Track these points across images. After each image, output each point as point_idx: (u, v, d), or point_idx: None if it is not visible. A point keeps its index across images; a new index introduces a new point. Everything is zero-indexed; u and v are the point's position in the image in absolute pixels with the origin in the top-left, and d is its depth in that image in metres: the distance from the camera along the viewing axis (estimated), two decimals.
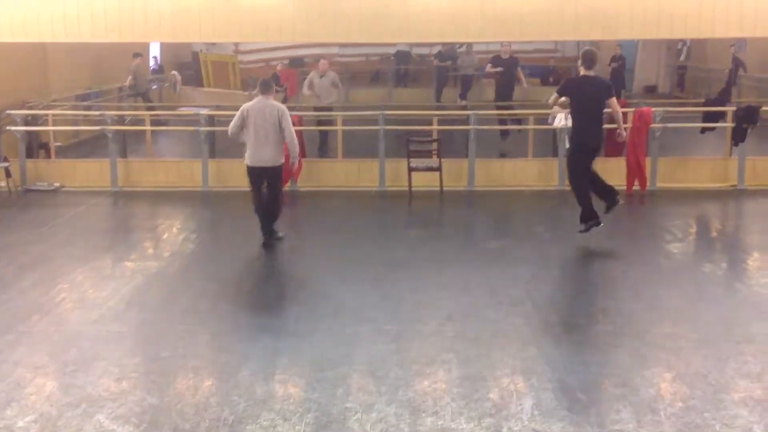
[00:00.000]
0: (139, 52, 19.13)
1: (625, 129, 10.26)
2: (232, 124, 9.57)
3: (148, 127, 14.07)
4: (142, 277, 8.62)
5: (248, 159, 9.53)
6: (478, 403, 5.59)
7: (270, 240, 9.67)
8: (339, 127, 13.88)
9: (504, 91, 15.88)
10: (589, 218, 9.58)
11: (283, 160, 9.61)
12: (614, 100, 9.61)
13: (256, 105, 9.47)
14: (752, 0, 12.35)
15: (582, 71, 9.57)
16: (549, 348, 6.63)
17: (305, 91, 15.36)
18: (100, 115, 13.76)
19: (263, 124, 9.36)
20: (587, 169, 9.58)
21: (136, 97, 19.13)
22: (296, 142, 9.61)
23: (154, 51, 23.98)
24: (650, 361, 6.31)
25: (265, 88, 9.57)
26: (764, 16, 12.50)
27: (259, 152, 9.43)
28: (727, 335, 6.85)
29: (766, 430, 5.22)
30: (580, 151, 9.60)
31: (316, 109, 15.18)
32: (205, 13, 12.73)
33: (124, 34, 12.85)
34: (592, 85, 9.52)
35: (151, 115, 15.07)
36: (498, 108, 16.17)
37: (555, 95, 9.70)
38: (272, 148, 9.44)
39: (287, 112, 9.53)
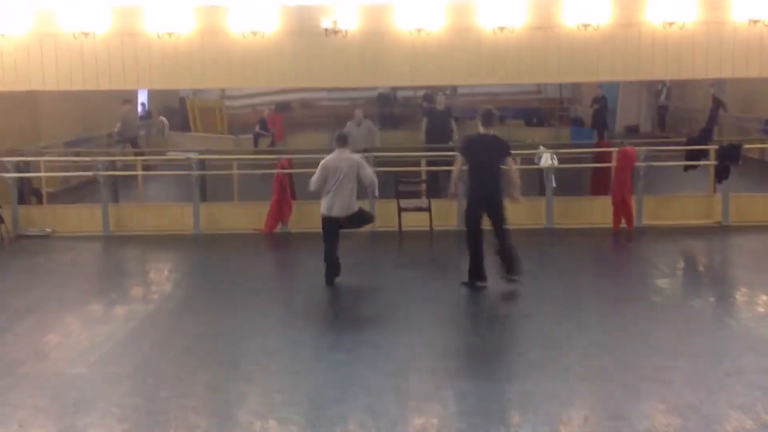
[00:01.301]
0: (128, 98, 19.28)
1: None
2: (314, 179, 9.87)
3: (140, 172, 14.17)
4: (136, 320, 8.67)
5: (324, 209, 9.84)
6: None
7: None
8: None
9: (437, 138, 15.48)
10: (472, 276, 9.57)
11: (356, 208, 9.95)
12: (511, 160, 9.57)
13: (336, 158, 9.81)
14: (730, 43, 12.68)
15: (481, 129, 9.57)
16: (544, 383, 6.73)
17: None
18: (92, 161, 13.86)
19: (343, 177, 9.71)
20: (478, 228, 9.49)
21: (125, 142, 19.23)
22: (376, 182, 10.14)
23: (142, 97, 24.19)
24: (644, 394, 6.43)
25: (341, 142, 9.95)
26: (741, 58, 12.81)
27: (336, 203, 9.75)
28: (717, 368, 6.98)
29: None
30: (471, 208, 9.53)
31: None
32: (195, 60, 12.90)
33: (115, 82, 12.97)
34: (489, 143, 9.53)
35: (141, 160, 15.18)
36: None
37: (459, 158, 9.63)
38: (348, 198, 9.81)
39: (364, 162, 10.01)
